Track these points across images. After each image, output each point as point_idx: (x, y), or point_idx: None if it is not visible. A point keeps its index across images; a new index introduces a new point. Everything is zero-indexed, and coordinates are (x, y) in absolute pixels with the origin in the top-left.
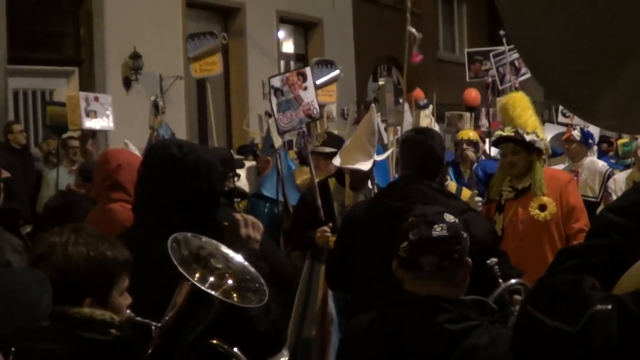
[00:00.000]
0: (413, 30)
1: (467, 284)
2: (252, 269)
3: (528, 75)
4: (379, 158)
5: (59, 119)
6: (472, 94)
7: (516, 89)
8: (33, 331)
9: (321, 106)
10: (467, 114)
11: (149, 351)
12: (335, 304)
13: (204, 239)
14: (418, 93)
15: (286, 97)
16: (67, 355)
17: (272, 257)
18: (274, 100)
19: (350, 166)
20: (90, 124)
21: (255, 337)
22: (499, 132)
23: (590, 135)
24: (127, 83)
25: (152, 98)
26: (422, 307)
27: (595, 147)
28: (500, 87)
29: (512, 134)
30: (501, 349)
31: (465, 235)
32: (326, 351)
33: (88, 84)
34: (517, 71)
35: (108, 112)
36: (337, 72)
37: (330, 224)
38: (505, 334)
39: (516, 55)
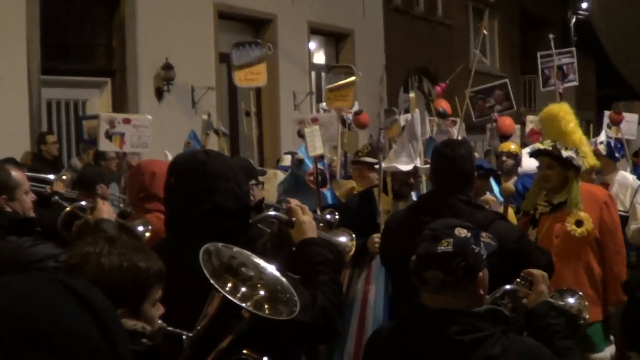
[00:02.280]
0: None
1: (483, 296)
2: (284, 279)
3: (574, 83)
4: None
5: (95, 132)
6: (507, 122)
7: (560, 94)
8: None
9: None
10: None
11: None
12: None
13: (235, 249)
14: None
15: None
16: None
17: None
18: None
19: (387, 165)
20: (107, 146)
21: (301, 328)
22: (537, 145)
23: (618, 149)
24: (159, 94)
25: (204, 117)
26: (433, 321)
27: (628, 160)
28: (542, 89)
29: (550, 147)
30: (515, 358)
31: (477, 250)
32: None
33: (120, 94)
34: (563, 76)
35: (142, 134)
36: (352, 77)
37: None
38: (520, 341)
39: (565, 60)
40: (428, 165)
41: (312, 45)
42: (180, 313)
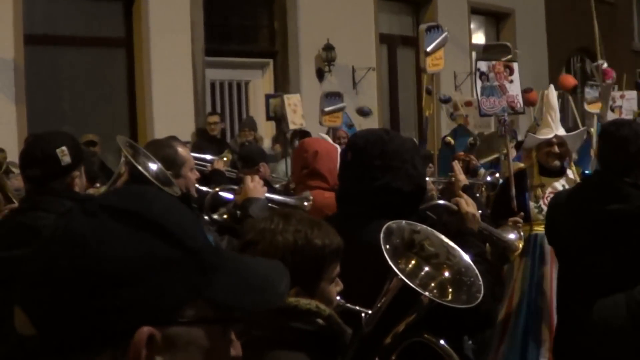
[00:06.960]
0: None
1: None
2: (470, 261)
3: None
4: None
5: (280, 110)
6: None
7: None
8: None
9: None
10: None
11: (356, 338)
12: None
13: (418, 225)
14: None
15: (491, 83)
16: (270, 343)
17: None
18: (479, 84)
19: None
20: (293, 125)
21: (465, 312)
22: None
23: None
24: (320, 74)
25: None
26: None
27: None
28: None
29: None
30: None
31: None
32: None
33: (282, 75)
34: None
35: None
36: (444, 34)
37: (522, 214)
38: None
39: None
40: (570, 133)
41: (473, 25)
42: (349, 292)
